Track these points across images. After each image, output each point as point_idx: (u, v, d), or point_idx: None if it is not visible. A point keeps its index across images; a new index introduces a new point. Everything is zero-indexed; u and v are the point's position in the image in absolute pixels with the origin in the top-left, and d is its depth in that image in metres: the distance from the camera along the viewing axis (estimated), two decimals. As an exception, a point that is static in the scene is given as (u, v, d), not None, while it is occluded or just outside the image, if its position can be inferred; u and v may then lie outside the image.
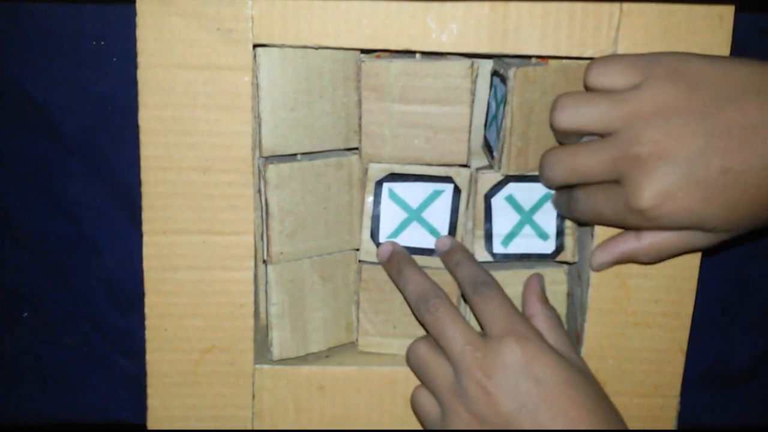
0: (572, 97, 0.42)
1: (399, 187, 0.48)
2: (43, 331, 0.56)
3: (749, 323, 0.59)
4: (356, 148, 0.48)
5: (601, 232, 0.47)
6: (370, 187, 0.48)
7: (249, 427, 0.49)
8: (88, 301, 0.56)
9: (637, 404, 0.49)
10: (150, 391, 0.48)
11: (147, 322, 0.47)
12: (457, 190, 0.48)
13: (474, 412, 0.42)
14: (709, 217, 0.41)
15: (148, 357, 0.47)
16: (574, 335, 0.51)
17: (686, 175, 0.40)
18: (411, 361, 0.47)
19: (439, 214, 0.49)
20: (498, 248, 0.49)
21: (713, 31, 0.45)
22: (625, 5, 0.44)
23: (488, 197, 0.49)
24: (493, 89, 0.50)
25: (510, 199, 0.49)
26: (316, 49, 0.45)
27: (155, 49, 0.44)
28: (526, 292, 0.48)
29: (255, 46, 0.44)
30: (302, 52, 0.45)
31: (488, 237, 0.49)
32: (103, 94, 0.52)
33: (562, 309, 0.50)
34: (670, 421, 0.50)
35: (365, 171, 0.48)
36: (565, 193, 0.46)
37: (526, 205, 0.49)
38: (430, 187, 0.48)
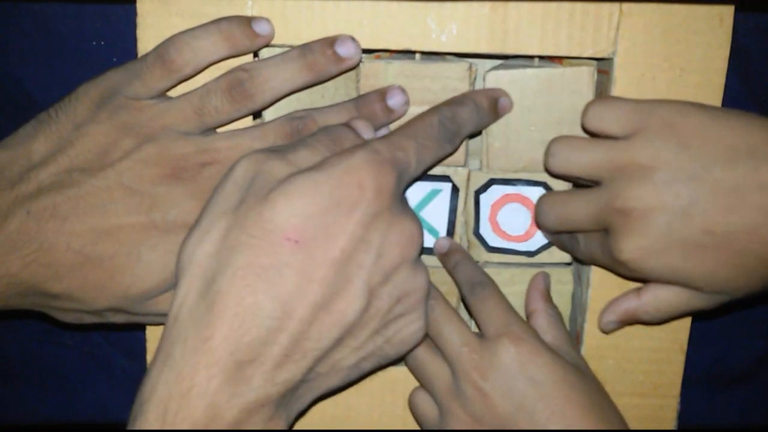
0: (565, 143, 0.43)
1: (398, 187, 0.48)
2: (43, 332, 0.56)
3: (749, 323, 0.59)
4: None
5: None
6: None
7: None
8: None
9: (637, 404, 0.49)
10: (150, 391, 0.48)
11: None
12: (455, 189, 0.48)
13: (471, 413, 0.43)
14: (694, 276, 0.41)
15: (149, 358, 0.47)
16: (574, 335, 0.50)
17: (667, 234, 0.40)
18: (409, 362, 0.47)
19: (437, 213, 0.49)
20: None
21: (713, 31, 0.45)
22: (625, 5, 0.44)
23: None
24: None
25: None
26: (316, 49, 0.45)
27: (155, 50, 0.44)
28: (530, 288, 0.49)
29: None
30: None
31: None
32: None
33: (568, 309, 0.50)
34: (671, 421, 0.50)
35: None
36: (567, 234, 0.47)
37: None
38: (428, 186, 0.48)
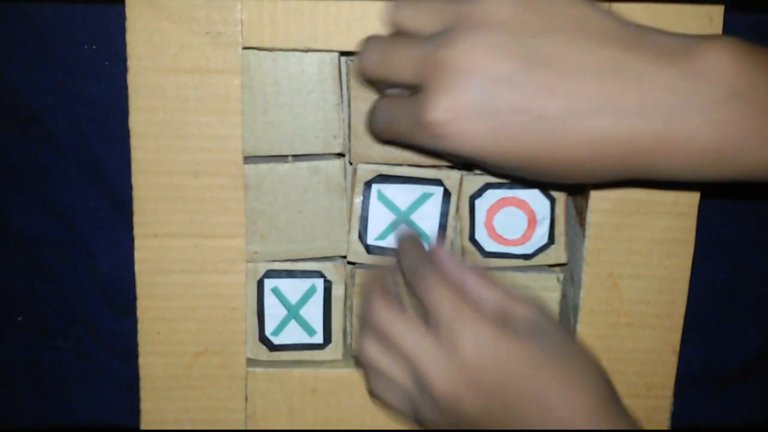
0: None
1: (388, 189, 0.48)
2: (37, 335, 0.56)
3: (742, 323, 0.59)
4: (339, 154, 0.48)
5: (592, 233, 0.47)
6: (359, 188, 0.48)
7: (242, 430, 0.49)
8: (82, 305, 0.56)
9: (630, 405, 0.49)
10: (143, 394, 0.48)
11: (139, 326, 0.47)
12: (446, 194, 0.48)
13: (442, 414, 0.41)
14: (490, 155, 0.38)
15: (141, 360, 0.48)
16: (566, 336, 0.50)
17: (482, 100, 0.36)
18: (362, 362, 0.44)
19: (428, 217, 0.49)
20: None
21: (703, 31, 0.44)
22: (615, 5, 0.44)
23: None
24: None
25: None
26: (306, 51, 0.45)
27: (145, 53, 0.44)
28: (440, 266, 0.44)
29: (245, 49, 0.45)
30: (274, 54, 0.45)
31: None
32: (96, 98, 0.52)
33: (555, 316, 0.49)
34: (664, 421, 0.50)
35: (354, 171, 0.48)
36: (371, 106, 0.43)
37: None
38: (419, 189, 0.48)
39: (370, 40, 0.41)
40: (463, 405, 0.40)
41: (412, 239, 0.46)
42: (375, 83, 0.44)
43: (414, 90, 0.39)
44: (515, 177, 0.45)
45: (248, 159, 0.47)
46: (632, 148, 0.37)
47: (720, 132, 0.36)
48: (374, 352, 0.43)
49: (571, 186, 0.48)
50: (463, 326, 0.40)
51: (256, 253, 0.48)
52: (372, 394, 0.46)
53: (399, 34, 0.41)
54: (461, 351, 0.40)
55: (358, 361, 0.46)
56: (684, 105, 0.36)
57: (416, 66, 0.38)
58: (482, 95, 0.36)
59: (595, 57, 0.36)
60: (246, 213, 0.47)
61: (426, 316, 0.42)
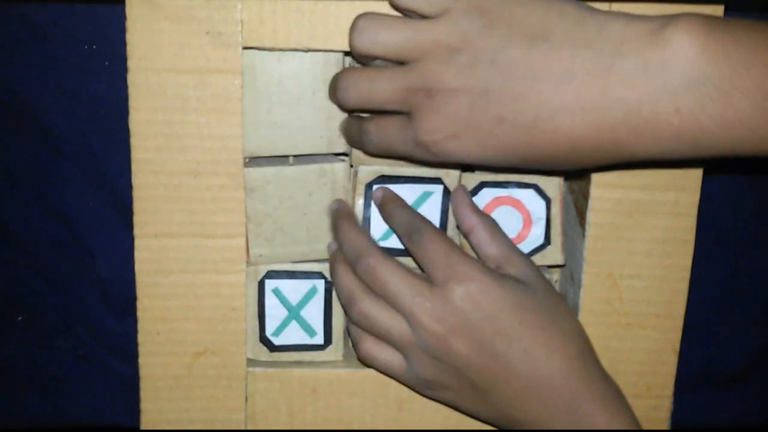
0: (374, 20, 0.41)
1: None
2: (37, 335, 0.56)
3: (742, 323, 0.59)
4: (343, 154, 0.48)
5: (592, 233, 0.47)
6: (360, 189, 0.48)
7: (242, 430, 0.49)
8: (82, 305, 0.56)
9: (631, 405, 0.49)
10: (143, 394, 0.48)
11: (139, 326, 0.47)
12: (446, 191, 0.48)
13: (436, 357, 0.43)
14: (490, 161, 0.41)
15: (141, 360, 0.48)
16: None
17: (466, 117, 0.39)
18: (357, 318, 0.46)
19: (429, 216, 0.49)
20: None
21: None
22: (615, 5, 0.44)
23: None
24: None
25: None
26: (306, 51, 0.45)
27: (145, 53, 0.44)
28: (456, 206, 0.48)
29: (245, 49, 0.45)
30: (278, 54, 0.45)
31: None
32: (96, 98, 0.52)
33: None
34: (664, 421, 0.50)
35: (355, 174, 0.48)
36: (355, 122, 0.46)
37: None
38: (420, 188, 0.48)
39: (344, 75, 0.43)
40: (453, 348, 0.43)
41: (395, 198, 0.48)
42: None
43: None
44: (520, 169, 0.47)
45: (251, 160, 0.47)
46: (602, 139, 0.38)
47: (686, 118, 0.37)
48: (371, 308, 0.45)
49: (575, 171, 0.48)
50: (455, 273, 0.43)
51: (260, 256, 0.48)
52: (364, 357, 0.47)
53: (367, 58, 0.43)
54: (453, 296, 0.42)
55: (352, 326, 0.47)
56: (646, 96, 0.37)
57: (400, 95, 0.41)
58: (465, 112, 0.39)
59: (557, 61, 0.38)
60: (251, 216, 0.47)
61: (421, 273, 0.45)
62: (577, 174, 0.49)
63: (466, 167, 0.49)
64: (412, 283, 0.43)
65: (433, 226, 0.46)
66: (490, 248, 0.46)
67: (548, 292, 0.45)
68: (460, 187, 0.48)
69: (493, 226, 0.47)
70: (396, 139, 0.43)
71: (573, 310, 0.45)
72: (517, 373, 0.43)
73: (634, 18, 0.38)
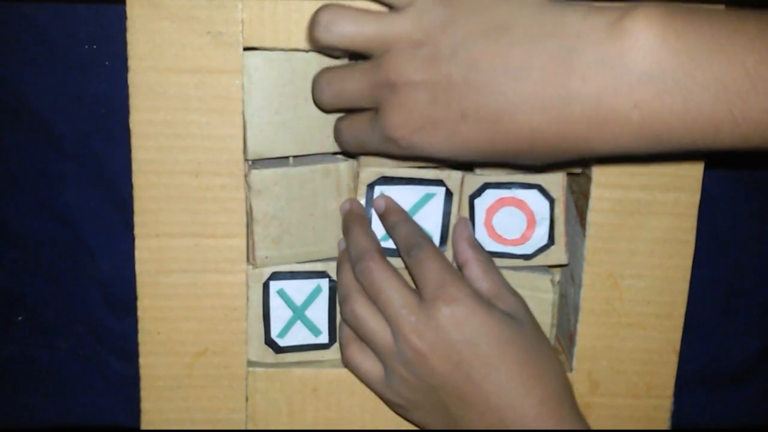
0: (336, 12, 0.41)
1: (391, 190, 0.48)
2: (38, 335, 0.56)
3: (742, 323, 0.59)
4: (343, 154, 0.48)
5: (593, 233, 0.47)
6: (362, 190, 0.48)
7: (243, 430, 0.49)
8: (83, 305, 0.56)
9: (631, 405, 0.49)
10: (143, 394, 0.48)
11: (140, 326, 0.47)
12: (448, 194, 0.48)
13: (413, 373, 0.43)
14: (458, 156, 0.41)
15: (142, 360, 0.48)
16: (566, 336, 0.50)
17: (430, 112, 0.39)
18: (347, 316, 0.46)
19: (430, 218, 0.49)
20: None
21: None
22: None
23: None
24: None
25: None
26: (307, 51, 0.45)
27: (146, 53, 0.44)
28: (455, 237, 0.48)
29: (245, 49, 0.45)
30: (286, 54, 0.45)
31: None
32: (97, 98, 0.52)
33: (546, 318, 0.49)
34: (664, 421, 0.50)
35: (357, 174, 0.48)
36: (339, 121, 0.46)
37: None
38: (421, 190, 0.48)
39: (319, 75, 0.44)
40: (430, 365, 0.43)
41: (398, 211, 0.48)
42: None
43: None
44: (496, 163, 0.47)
45: (255, 162, 0.47)
46: (563, 135, 0.38)
47: (645, 113, 0.36)
48: (362, 309, 0.45)
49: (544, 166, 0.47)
50: (444, 294, 0.43)
51: (266, 258, 0.48)
52: (347, 362, 0.47)
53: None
54: (437, 315, 0.43)
55: (342, 328, 0.47)
56: (604, 90, 0.36)
57: (368, 91, 0.41)
58: (429, 106, 0.39)
59: (517, 55, 0.37)
60: (257, 218, 0.47)
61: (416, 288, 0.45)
62: (550, 168, 0.48)
63: (467, 167, 0.49)
64: (402, 294, 0.44)
65: (433, 245, 0.46)
66: (482, 283, 0.46)
67: (534, 330, 0.45)
68: (463, 219, 0.49)
69: (487, 262, 0.47)
70: (365, 135, 0.43)
71: (556, 352, 0.45)
72: (490, 405, 0.42)
73: (595, 9, 0.37)
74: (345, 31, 0.40)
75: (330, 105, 0.44)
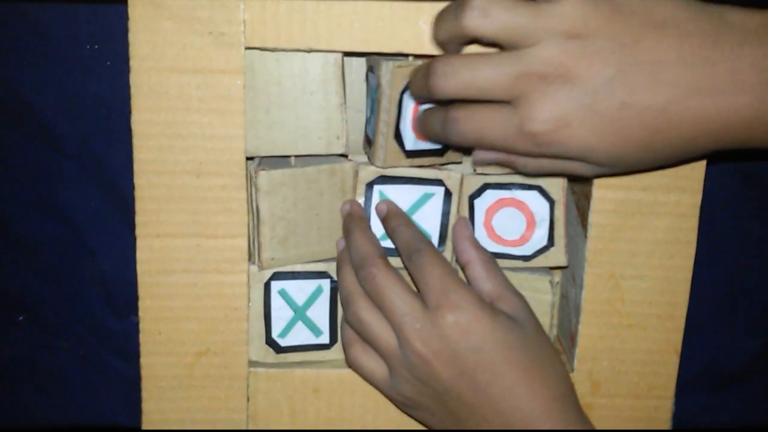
0: (491, 1, 0.39)
1: (389, 190, 0.48)
2: (38, 335, 0.56)
3: (743, 324, 0.59)
4: (342, 155, 0.48)
5: (594, 233, 0.47)
6: (361, 189, 0.48)
7: (244, 430, 0.49)
8: (83, 305, 0.56)
9: (632, 405, 0.49)
10: (144, 394, 0.48)
11: (141, 326, 0.47)
12: (447, 194, 0.48)
13: (417, 377, 0.44)
14: (599, 152, 0.39)
15: (143, 360, 0.47)
16: (568, 337, 0.51)
17: (588, 104, 0.38)
18: (352, 321, 0.46)
19: (429, 217, 0.49)
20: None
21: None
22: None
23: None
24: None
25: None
26: (308, 52, 0.45)
27: (148, 53, 0.44)
28: (456, 237, 0.48)
29: (247, 49, 0.44)
30: (281, 54, 0.45)
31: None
32: (98, 98, 0.52)
33: (545, 319, 0.49)
34: (665, 422, 0.50)
35: (356, 173, 0.48)
36: (439, 111, 0.43)
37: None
38: (420, 189, 0.48)
39: (441, 61, 0.41)
40: (435, 371, 0.43)
41: (400, 215, 0.48)
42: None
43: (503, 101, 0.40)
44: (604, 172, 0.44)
45: (261, 162, 0.47)
46: (731, 122, 0.38)
47: None
48: (365, 313, 0.45)
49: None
50: (447, 301, 0.43)
51: (272, 259, 0.48)
52: (351, 362, 0.47)
53: (459, 45, 0.42)
54: (442, 322, 0.43)
55: (344, 329, 0.47)
56: None
57: (508, 82, 0.39)
58: (586, 101, 0.38)
59: (685, 50, 0.38)
60: (264, 219, 0.47)
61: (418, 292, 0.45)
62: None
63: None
64: (406, 301, 0.44)
65: (434, 249, 0.46)
66: (485, 284, 0.46)
67: (537, 332, 0.45)
68: (463, 218, 0.49)
69: (490, 261, 0.47)
70: (494, 128, 0.40)
71: (558, 353, 0.45)
72: (496, 409, 0.43)
73: (752, 10, 0.39)
74: (501, 17, 0.39)
75: (453, 93, 0.40)
